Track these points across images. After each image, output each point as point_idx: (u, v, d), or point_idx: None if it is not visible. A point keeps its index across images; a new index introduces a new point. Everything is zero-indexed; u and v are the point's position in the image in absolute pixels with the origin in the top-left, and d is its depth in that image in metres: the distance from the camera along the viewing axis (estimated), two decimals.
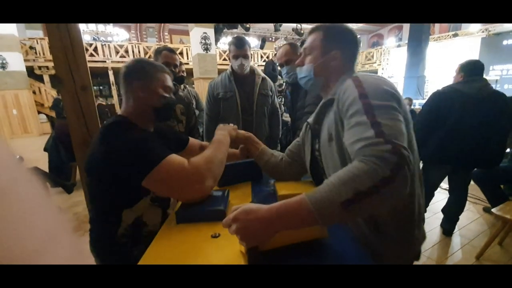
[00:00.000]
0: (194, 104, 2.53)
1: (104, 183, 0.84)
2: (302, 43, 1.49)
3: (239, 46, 1.67)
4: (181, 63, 2.45)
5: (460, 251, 2.01)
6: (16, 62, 8.13)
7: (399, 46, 11.35)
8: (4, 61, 7.90)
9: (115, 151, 0.77)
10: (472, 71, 1.93)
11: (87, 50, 8.69)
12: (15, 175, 0.12)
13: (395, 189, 0.51)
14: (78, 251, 0.14)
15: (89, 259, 0.12)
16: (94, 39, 10.94)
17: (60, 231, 0.14)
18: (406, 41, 9.16)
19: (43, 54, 8.85)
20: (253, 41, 13.37)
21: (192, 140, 1.28)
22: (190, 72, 4.79)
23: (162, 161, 0.75)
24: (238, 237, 0.57)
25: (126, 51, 9.68)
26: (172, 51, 1.70)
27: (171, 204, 1.08)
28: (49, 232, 0.12)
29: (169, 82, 0.96)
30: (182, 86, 2.49)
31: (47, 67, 8.98)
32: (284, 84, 1.93)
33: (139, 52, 9.88)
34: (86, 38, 10.56)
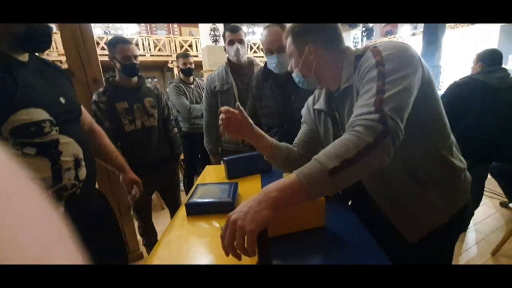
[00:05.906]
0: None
1: None
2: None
3: (234, 31, 1.63)
4: (189, 55, 2.45)
5: (475, 246, 1.96)
6: None
7: (413, 34, 10.93)
8: None
9: None
10: (491, 60, 1.85)
11: (98, 44, 8.75)
12: (14, 180, 0.12)
13: (378, 155, 0.54)
14: (77, 261, 0.14)
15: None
16: (105, 32, 11.04)
17: (60, 240, 0.13)
18: (421, 30, 8.82)
19: (56, 48, 8.99)
20: (260, 32, 13.15)
21: (86, 116, 1.08)
22: (199, 65, 4.77)
23: None
24: (241, 224, 0.52)
25: (136, 44, 9.71)
26: (127, 41, 1.49)
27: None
28: (49, 241, 0.12)
29: None
30: (191, 78, 2.50)
31: (60, 61, 9.14)
32: (259, 76, 1.51)
33: (149, 45, 9.89)
34: (97, 32, 10.63)
